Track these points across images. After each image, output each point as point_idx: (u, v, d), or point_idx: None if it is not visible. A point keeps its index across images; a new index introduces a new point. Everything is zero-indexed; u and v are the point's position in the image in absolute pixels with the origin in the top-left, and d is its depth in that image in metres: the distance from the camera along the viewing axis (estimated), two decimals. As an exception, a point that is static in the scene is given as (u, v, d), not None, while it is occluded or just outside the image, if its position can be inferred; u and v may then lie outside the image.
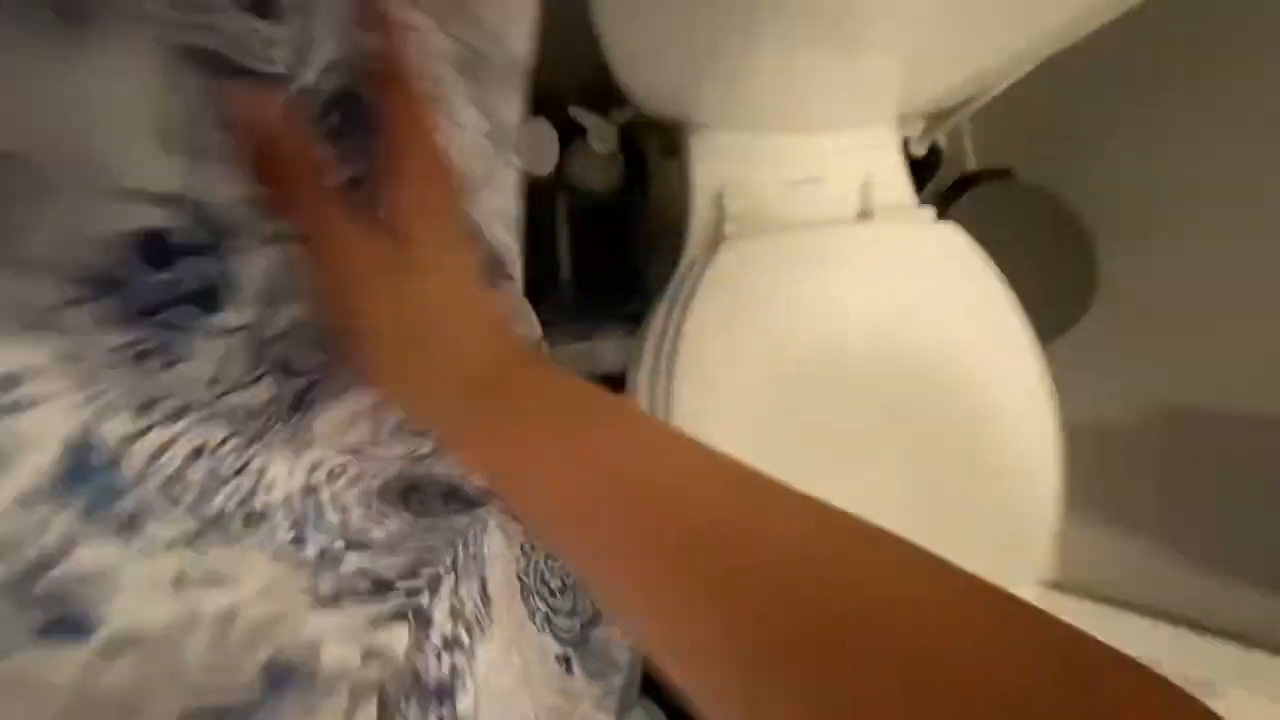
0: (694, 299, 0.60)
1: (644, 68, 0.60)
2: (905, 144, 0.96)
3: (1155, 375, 0.89)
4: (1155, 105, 0.83)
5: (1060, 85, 0.89)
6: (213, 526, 0.24)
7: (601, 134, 0.81)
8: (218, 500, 0.24)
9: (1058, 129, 0.99)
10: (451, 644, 0.35)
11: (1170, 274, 0.86)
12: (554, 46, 0.82)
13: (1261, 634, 0.82)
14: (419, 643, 0.31)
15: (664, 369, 0.61)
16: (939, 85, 0.68)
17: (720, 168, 0.67)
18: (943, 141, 1.04)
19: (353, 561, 0.31)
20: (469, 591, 0.40)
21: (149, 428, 0.21)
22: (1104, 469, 0.93)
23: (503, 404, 0.23)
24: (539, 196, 0.84)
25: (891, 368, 0.63)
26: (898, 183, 0.70)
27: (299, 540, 0.28)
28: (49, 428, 0.19)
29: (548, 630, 0.56)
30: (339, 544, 0.30)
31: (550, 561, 0.53)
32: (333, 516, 0.34)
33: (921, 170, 1.04)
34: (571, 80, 0.86)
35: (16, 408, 0.18)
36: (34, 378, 0.18)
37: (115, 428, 0.20)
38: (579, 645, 0.64)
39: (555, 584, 0.54)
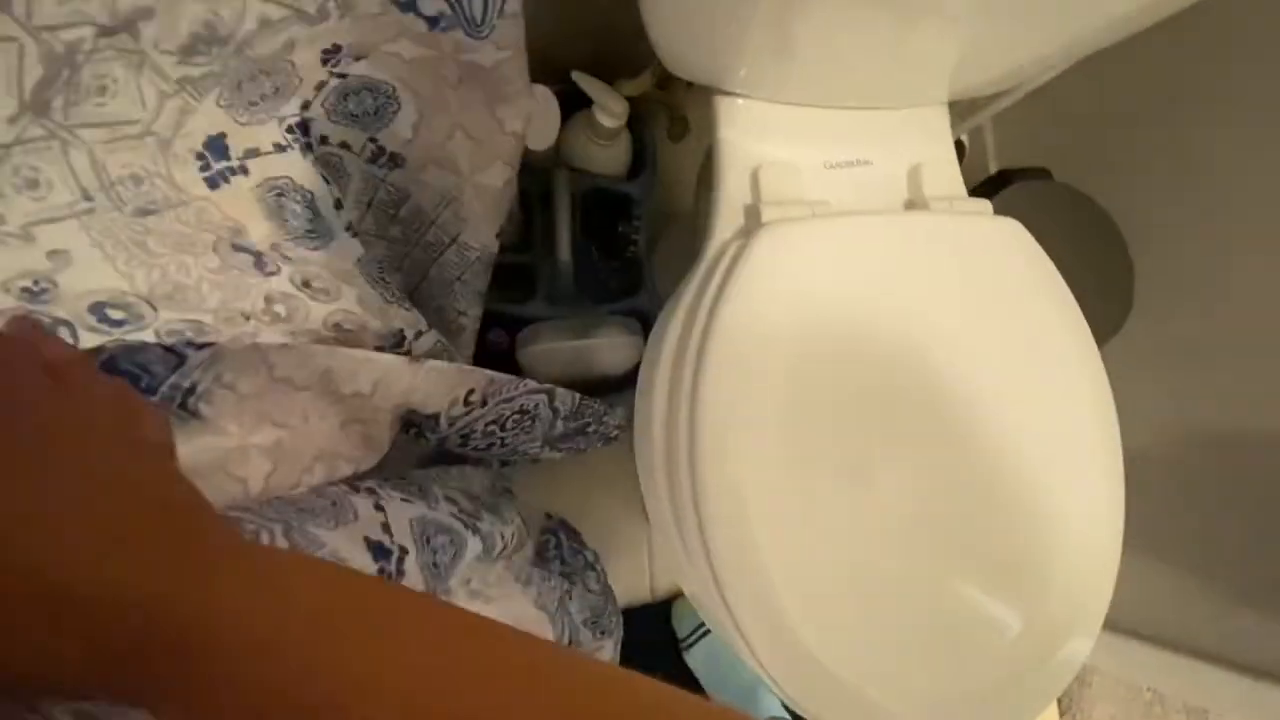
0: (729, 288, 0.51)
1: (683, 20, 0.51)
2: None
3: (1189, 396, 0.84)
4: (1193, 117, 0.79)
5: (1087, 90, 0.85)
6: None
7: (609, 104, 0.72)
8: None
9: (1083, 133, 0.95)
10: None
11: (1207, 290, 0.81)
12: (559, 7, 0.72)
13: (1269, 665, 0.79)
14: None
15: (690, 366, 0.52)
16: (995, 66, 0.60)
17: (757, 145, 0.59)
18: (966, 139, 0.98)
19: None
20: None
21: None
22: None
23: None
24: (536, 173, 0.74)
25: (945, 373, 0.55)
26: (949, 172, 0.63)
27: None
28: None
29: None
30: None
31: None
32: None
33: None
34: (578, 45, 0.77)
35: None
36: None
37: None
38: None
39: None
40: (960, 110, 0.82)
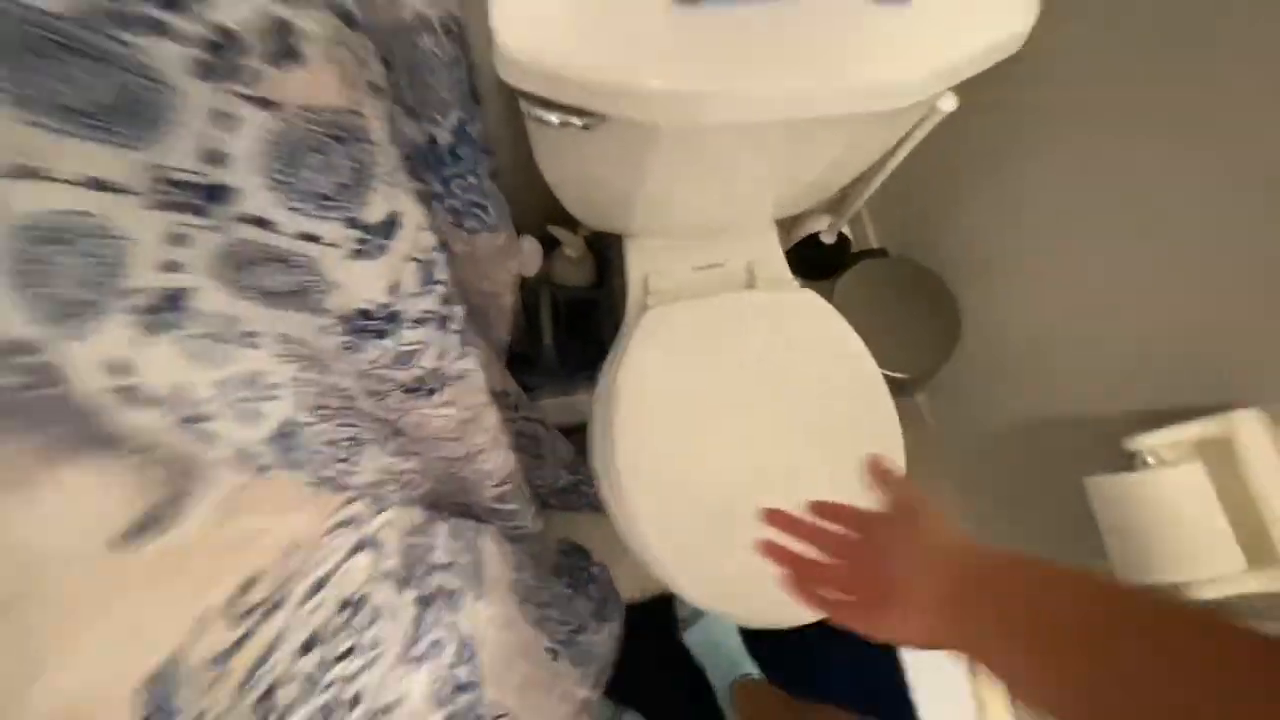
0: (626, 354, 0.87)
1: (582, 205, 0.90)
2: (816, 235, 1.25)
3: (1009, 396, 1.10)
4: (987, 186, 1.05)
5: (926, 176, 1.14)
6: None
7: (571, 244, 1.12)
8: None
9: (928, 211, 1.23)
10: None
11: (1014, 317, 1.08)
12: (536, 183, 1.14)
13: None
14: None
15: (607, 407, 0.87)
16: (795, 199, 0.96)
17: (647, 261, 0.97)
18: (848, 230, 1.32)
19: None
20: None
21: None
22: (968, 469, 1.15)
23: (972, 597, 0.40)
24: (528, 291, 1.14)
25: (774, 393, 0.88)
26: (775, 262, 0.98)
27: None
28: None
29: (542, 629, 0.81)
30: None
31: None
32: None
33: (837, 254, 1.30)
34: (551, 205, 1.18)
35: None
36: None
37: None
38: (567, 644, 0.87)
39: (546, 597, 0.78)
40: (834, 212, 1.15)
